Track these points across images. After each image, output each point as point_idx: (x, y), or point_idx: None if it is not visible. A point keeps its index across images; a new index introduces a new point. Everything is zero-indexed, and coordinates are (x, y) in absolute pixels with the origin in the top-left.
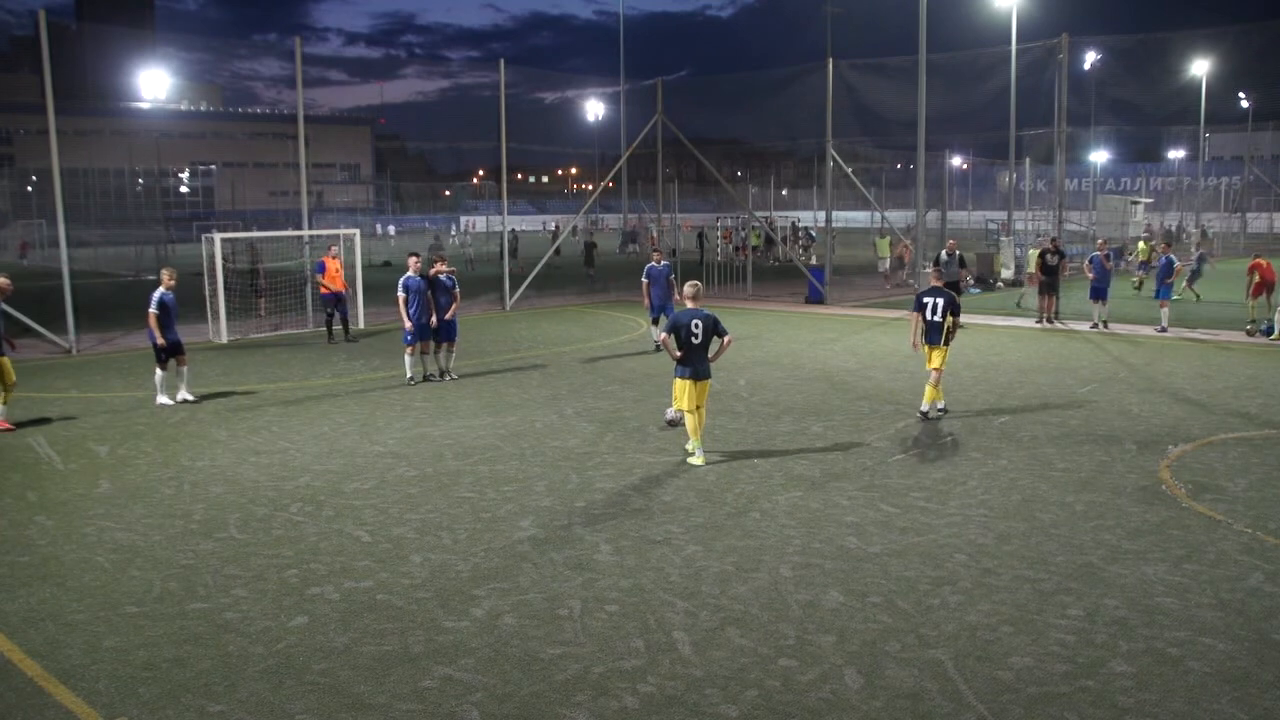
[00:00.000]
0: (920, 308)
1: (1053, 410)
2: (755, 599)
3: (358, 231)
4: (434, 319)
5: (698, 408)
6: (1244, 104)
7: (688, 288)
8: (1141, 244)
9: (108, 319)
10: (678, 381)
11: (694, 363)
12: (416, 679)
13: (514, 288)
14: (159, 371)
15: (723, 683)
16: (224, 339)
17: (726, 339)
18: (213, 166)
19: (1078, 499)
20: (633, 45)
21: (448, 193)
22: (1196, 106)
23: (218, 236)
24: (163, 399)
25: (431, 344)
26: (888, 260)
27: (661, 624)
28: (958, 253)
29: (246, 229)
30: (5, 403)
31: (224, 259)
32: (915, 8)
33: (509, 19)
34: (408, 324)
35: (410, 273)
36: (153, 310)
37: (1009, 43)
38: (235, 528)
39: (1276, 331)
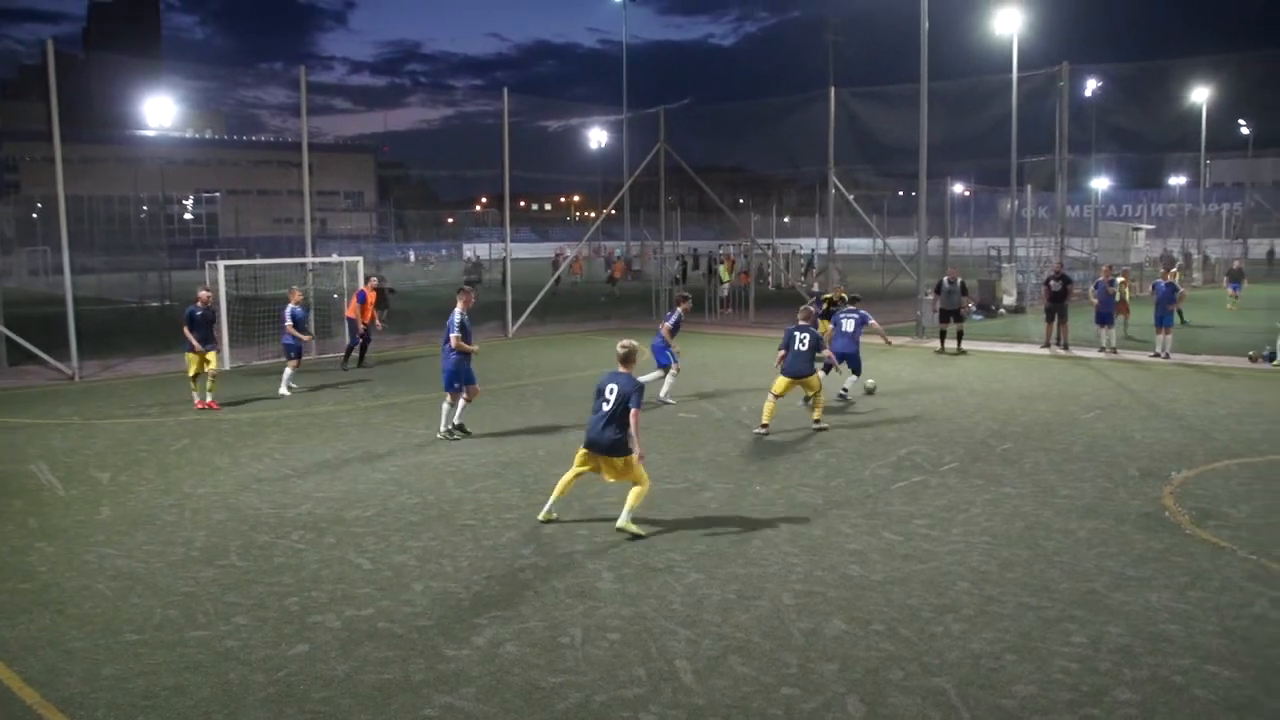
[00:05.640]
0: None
1: (1056, 436)
2: (757, 627)
3: (360, 259)
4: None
5: (589, 472)
6: (1244, 131)
7: (619, 347)
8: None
9: (111, 346)
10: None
11: (592, 430)
12: (418, 708)
13: (516, 315)
14: (287, 369)
15: (725, 711)
16: (227, 365)
17: (632, 413)
18: (217, 194)
19: (1081, 526)
20: (635, 74)
21: (451, 220)
22: (1197, 133)
23: (221, 264)
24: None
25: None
26: (727, 286)
27: (663, 652)
28: (960, 280)
29: (250, 256)
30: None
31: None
32: (916, 35)
33: (513, 48)
34: (473, 346)
35: (459, 308)
36: (287, 322)
37: (1010, 70)
38: (236, 555)
39: (1279, 358)
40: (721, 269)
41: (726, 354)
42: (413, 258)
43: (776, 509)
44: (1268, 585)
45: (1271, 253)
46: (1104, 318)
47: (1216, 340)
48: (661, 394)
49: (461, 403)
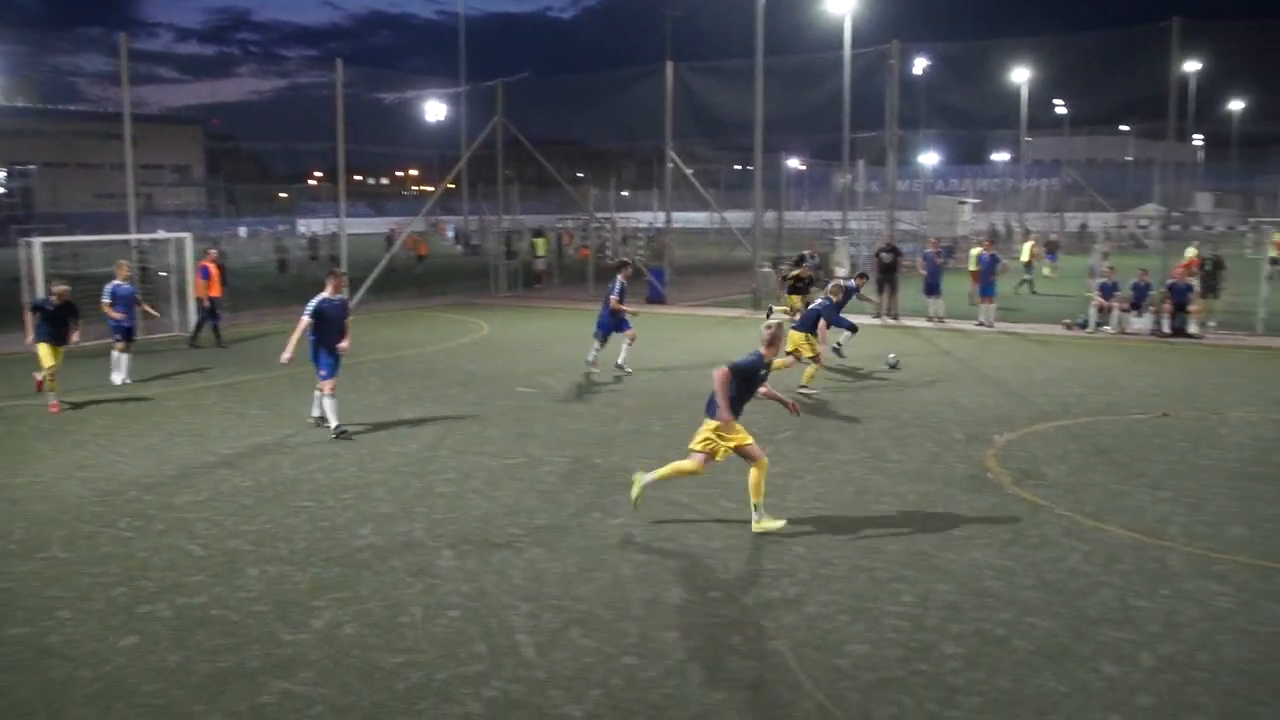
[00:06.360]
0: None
1: (886, 404)
2: (598, 598)
3: (189, 235)
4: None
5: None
6: (1060, 110)
7: (764, 330)
8: (1026, 245)
9: None
10: None
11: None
12: (254, 695)
13: (353, 292)
14: (113, 353)
15: (566, 683)
16: None
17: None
18: (32, 166)
19: (910, 489)
20: (473, 46)
21: (284, 195)
22: (1017, 112)
23: (37, 241)
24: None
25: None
26: (543, 261)
27: (504, 627)
28: (818, 255)
29: (70, 233)
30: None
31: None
32: (753, 11)
33: (347, 17)
34: (286, 354)
35: (327, 293)
36: (105, 300)
37: (843, 47)
38: (58, 546)
39: (1091, 325)
40: (538, 242)
41: (566, 328)
42: (243, 233)
43: (615, 481)
44: (1081, 540)
45: (1085, 226)
46: (932, 288)
47: (1035, 309)
48: (620, 359)
49: (317, 393)
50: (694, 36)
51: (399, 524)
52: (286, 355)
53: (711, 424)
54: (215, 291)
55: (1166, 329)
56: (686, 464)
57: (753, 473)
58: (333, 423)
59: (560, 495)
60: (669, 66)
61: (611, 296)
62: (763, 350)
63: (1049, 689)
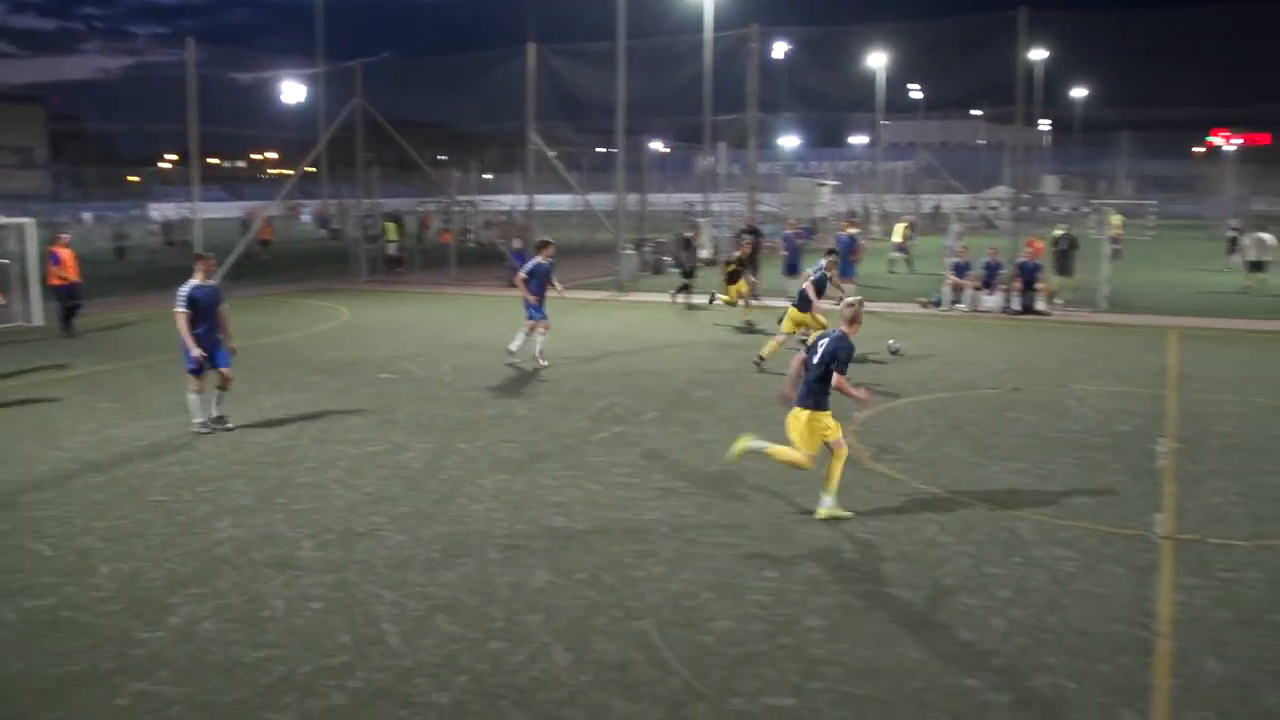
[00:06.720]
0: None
1: (748, 383)
2: (463, 584)
3: (33, 220)
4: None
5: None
6: (915, 95)
7: (843, 306)
8: (899, 226)
9: None
10: None
11: (799, 387)
12: (108, 698)
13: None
14: None
15: (432, 670)
16: None
17: (835, 379)
18: None
19: (771, 466)
20: (333, 25)
21: (135, 178)
22: (874, 96)
23: None
24: None
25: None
26: (395, 245)
27: (369, 617)
28: (700, 239)
29: None
30: None
31: None
32: None
33: None
34: (195, 350)
35: (197, 280)
36: None
37: (704, 30)
38: None
39: (945, 303)
40: (389, 226)
41: (430, 312)
42: (88, 218)
43: (479, 466)
44: (936, 511)
45: (938, 207)
46: (792, 269)
47: (895, 288)
48: (513, 346)
49: (217, 392)
50: (557, 18)
51: (258, 516)
52: (196, 351)
53: (804, 415)
54: (73, 275)
55: (1016, 306)
56: (799, 457)
57: (834, 463)
58: (195, 419)
59: (423, 482)
60: (531, 48)
61: (519, 275)
62: (844, 328)
63: (908, 657)
